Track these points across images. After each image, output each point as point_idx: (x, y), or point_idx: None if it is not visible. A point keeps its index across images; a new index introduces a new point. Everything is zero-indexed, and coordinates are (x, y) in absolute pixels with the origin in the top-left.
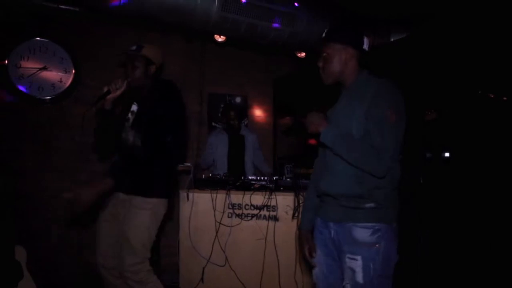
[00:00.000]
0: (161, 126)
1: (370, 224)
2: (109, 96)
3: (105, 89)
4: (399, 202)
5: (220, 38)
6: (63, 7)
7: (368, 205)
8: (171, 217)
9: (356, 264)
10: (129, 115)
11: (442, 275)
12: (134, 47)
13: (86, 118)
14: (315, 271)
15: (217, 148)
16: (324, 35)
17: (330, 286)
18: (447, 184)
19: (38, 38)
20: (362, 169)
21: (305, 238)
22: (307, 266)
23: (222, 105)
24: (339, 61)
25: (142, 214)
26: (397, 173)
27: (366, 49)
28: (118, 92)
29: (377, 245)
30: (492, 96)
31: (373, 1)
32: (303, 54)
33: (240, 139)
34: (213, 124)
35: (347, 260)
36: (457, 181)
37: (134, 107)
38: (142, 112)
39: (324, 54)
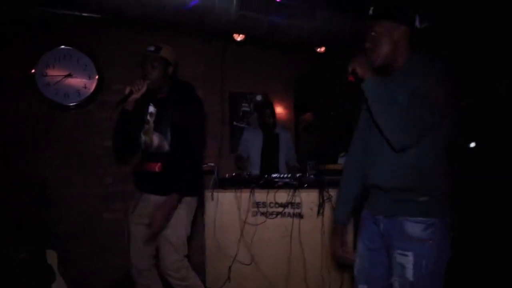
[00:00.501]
0: (186, 127)
1: (423, 219)
2: (132, 97)
3: (128, 90)
4: (452, 195)
5: (239, 37)
6: (85, 14)
7: (422, 198)
8: (196, 217)
9: (406, 260)
10: (148, 117)
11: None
12: (152, 48)
13: (112, 120)
14: (357, 264)
15: (252, 144)
16: (371, 12)
17: (372, 280)
18: (472, 175)
19: (62, 46)
20: (387, 135)
21: (339, 233)
22: (334, 262)
23: (245, 104)
24: (390, 40)
25: (179, 214)
26: (450, 164)
27: (418, 26)
28: (140, 93)
29: (430, 241)
30: None
31: None
32: (322, 49)
33: (275, 138)
34: (234, 123)
35: (397, 255)
36: (482, 172)
37: (151, 109)
38: (163, 114)
39: (373, 34)
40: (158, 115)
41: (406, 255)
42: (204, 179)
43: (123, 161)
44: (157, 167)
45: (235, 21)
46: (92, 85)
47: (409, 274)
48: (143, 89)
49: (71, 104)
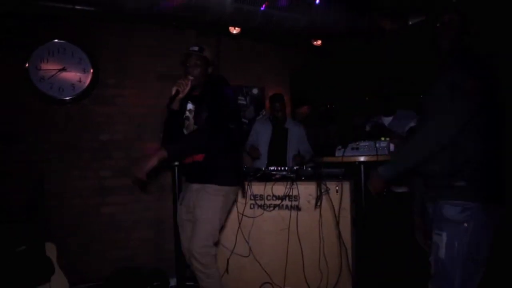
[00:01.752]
0: (221, 114)
1: (459, 202)
2: (179, 97)
3: (174, 91)
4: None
5: (235, 30)
6: (79, 7)
7: (459, 183)
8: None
9: (440, 239)
10: (187, 113)
11: None
12: (196, 48)
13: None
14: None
15: (262, 136)
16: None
17: None
18: None
19: (56, 40)
20: (433, 150)
21: (417, 223)
22: (331, 255)
23: (241, 98)
24: (461, 30)
25: (214, 200)
26: (491, 152)
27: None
28: (186, 91)
29: (465, 224)
30: None
31: None
32: (319, 42)
33: (284, 132)
34: None
35: (434, 235)
36: None
37: (190, 106)
38: (201, 110)
39: (446, 20)
40: (197, 111)
41: (440, 235)
42: (242, 170)
43: None
44: (200, 156)
45: (230, 13)
46: (87, 79)
47: (442, 253)
48: (188, 88)
49: (66, 98)
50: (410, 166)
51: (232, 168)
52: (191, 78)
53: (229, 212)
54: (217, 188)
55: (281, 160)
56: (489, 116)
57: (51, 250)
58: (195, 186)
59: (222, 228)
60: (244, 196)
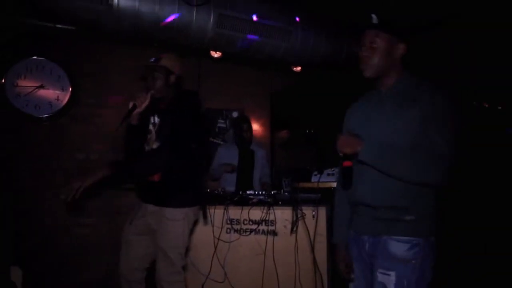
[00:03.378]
0: (182, 134)
1: (408, 238)
2: (136, 111)
3: (131, 105)
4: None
5: (216, 54)
6: (60, 26)
7: (408, 217)
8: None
9: (388, 280)
10: (150, 127)
11: None
12: (152, 59)
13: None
14: (354, 285)
15: (227, 161)
16: (374, 20)
17: None
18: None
19: (35, 57)
20: (418, 182)
21: (341, 254)
22: (306, 281)
23: (221, 121)
24: (388, 54)
25: (175, 225)
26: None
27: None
28: (144, 106)
29: (413, 261)
30: (487, 105)
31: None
32: (298, 68)
33: (251, 154)
34: (210, 139)
35: (378, 274)
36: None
37: (155, 119)
38: (165, 124)
39: (373, 44)
40: (160, 125)
41: (388, 275)
42: (202, 189)
43: None
44: (156, 176)
45: (211, 38)
46: (65, 98)
47: None
48: (146, 102)
49: (43, 116)
50: (379, 166)
51: (191, 188)
52: (151, 92)
53: (191, 231)
54: (176, 211)
55: (248, 183)
56: None
57: (16, 274)
58: (151, 207)
59: (187, 250)
60: (205, 222)
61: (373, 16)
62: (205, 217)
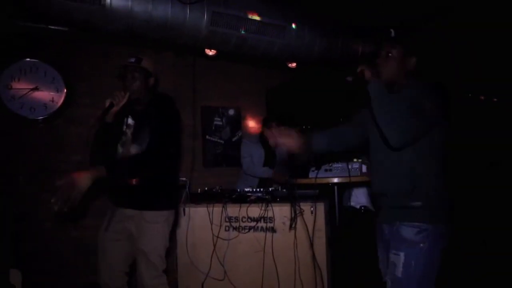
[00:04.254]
0: (164, 139)
1: (417, 224)
2: (113, 109)
3: (108, 103)
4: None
5: (210, 52)
6: (53, 27)
7: (415, 203)
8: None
9: (398, 259)
10: (125, 128)
11: None
12: (132, 60)
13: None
14: (380, 264)
15: (254, 159)
16: (393, 34)
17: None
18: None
19: (28, 59)
20: (385, 132)
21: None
22: (306, 277)
23: (218, 118)
24: (400, 65)
25: (156, 228)
26: (443, 173)
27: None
28: (121, 104)
29: (421, 245)
30: (483, 98)
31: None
32: (294, 65)
33: (273, 154)
34: (207, 137)
35: (391, 255)
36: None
37: (130, 120)
38: (141, 126)
39: (388, 54)
40: (136, 127)
41: (398, 255)
42: (178, 192)
43: None
44: (134, 180)
45: (205, 36)
46: (60, 99)
47: (399, 271)
48: (124, 101)
49: (38, 118)
50: (374, 102)
51: (170, 191)
52: (128, 92)
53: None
54: (156, 214)
55: (269, 182)
56: (440, 138)
57: (15, 277)
58: (129, 212)
59: (167, 253)
60: (177, 225)
61: (392, 30)
62: (177, 220)
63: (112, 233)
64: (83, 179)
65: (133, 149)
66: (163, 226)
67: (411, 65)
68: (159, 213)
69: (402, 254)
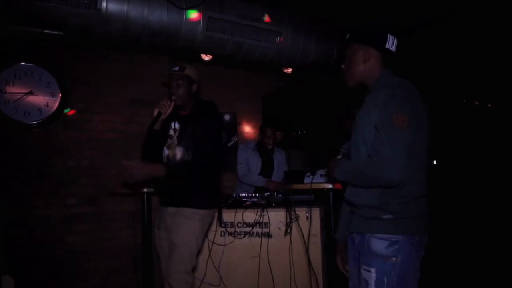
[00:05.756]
0: (208, 142)
1: (387, 236)
2: (161, 118)
3: (156, 112)
4: (428, 212)
5: (206, 57)
6: (48, 31)
7: (385, 216)
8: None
9: (369, 276)
10: (171, 132)
11: None
12: (176, 68)
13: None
14: (350, 282)
15: (251, 166)
16: (347, 36)
17: None
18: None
19: (23, 63)
20: (379, 187)
21: (338, 249)
22: (301, 282)
23: None
24: (360, 62)
25: (191, 224)
26: (420, 182)
27: (391, 48)
28: (168, 113)
29: (393, 259)
30: (477, 103)
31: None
32: (289, 70)
33: (271, 162)
34: None
35: (362, 271)
36: (446, 190)
37: (176, 125)
38: (186, 130)
39: (346, 56)
40: (181, 131)
41: (369, 271)
42: (219, 194)
43: None
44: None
45: (201, 41)
46: (55, 104)
47: None
48: (170, 109)
49: (33, 123)
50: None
51: (208, 191)
52: (174, 98)
53: (206, 235)
54: (193, 211)
55: (265, 190)
56: (417, 147)
57: (8, 284)
58: (171, 209)
59: (199, 252)
60: (220, 224)
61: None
62: (220, 222)
63: (163, 231)
64: (142, 173)
65: (179, 151)
66: (198, 224)
67: (372, 57)
68: (196, 211)
69: (373, 270)
